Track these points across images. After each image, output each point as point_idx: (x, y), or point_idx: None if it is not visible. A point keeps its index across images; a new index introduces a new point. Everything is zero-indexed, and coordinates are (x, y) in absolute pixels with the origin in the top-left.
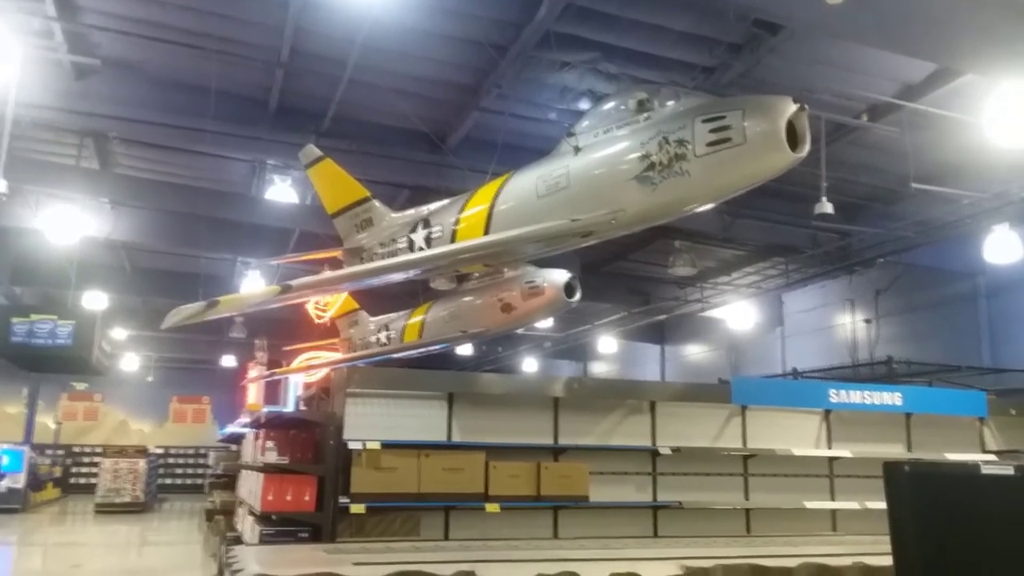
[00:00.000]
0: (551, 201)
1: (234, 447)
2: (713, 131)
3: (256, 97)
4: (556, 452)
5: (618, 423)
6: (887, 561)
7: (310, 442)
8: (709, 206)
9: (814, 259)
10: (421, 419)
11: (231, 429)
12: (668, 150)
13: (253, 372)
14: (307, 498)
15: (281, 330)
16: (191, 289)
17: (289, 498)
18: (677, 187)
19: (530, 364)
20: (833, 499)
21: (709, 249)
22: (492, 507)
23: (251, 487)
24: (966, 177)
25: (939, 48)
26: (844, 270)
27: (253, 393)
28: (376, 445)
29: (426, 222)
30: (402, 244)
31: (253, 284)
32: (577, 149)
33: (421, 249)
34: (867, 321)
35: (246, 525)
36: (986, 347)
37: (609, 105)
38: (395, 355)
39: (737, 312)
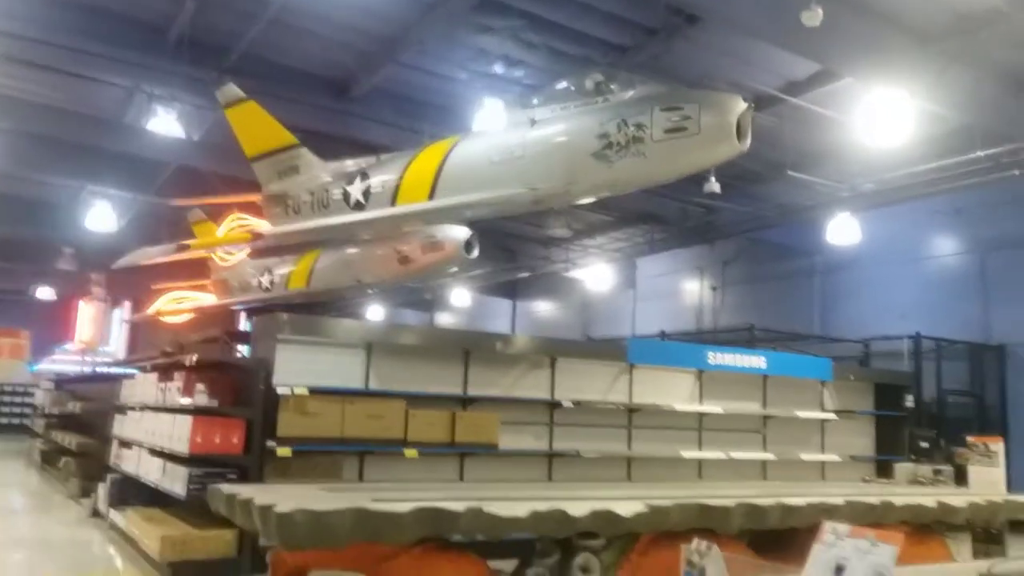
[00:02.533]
0: (505, 168)
1: (69, 385)
2: (671, 120)
3: (157, 24)
4: (465, 402)
5: (521, 376)
6: (797, 501)
7: (232, 385)
8: (656, 184)
9: (680, 230)
10: (343, 367)
11: (61, 366)
12: (627, 132)
13: (89, 308)
14: (235, 441)
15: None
16: (27, 215)
17: (218, 440)
18: (632, 167)
19: (375, 312)
20: (701, 449)
21: (582, 212)
22: (411, 452)
23: (160, 429)
24: (825, 167)
25: (824, 51)
26: (704, 241)
27: (86, 329)
28: (303, 391)
29: (364, 175)
30: (337, 195)
31: (100, 215)
32: (533, 121)
33: (359, 203)
34: (714, 288)
35: (150, 467)
36: (817, 318)
37: (566, 83)
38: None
39: (595, 273)
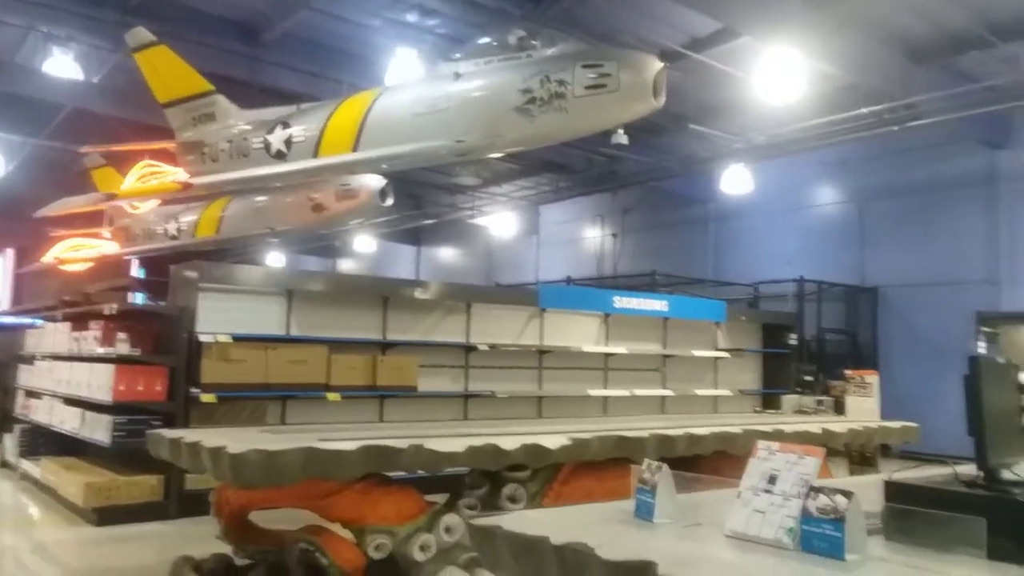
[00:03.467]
0: (430, 120)
1: None
2: (592, 76)
3: None
4: (384, 347)
5: (438, 321)
6: (701, 431)
7: (153, 334)
8: (575, 138)
9: (585, 178)
10: (264, 314)
11: None
12: (549, 88)
13: None
14: (159, 388)
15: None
16: None
17: (141, 388)
18: (554, 121)
19: (276, 259)
20: (606, 387)
21: (490, 161)
22: (333, 396)
23: (76, 378)
24: (723, 121)
25: (725, 9)
26: (607, 190)
27: None
28: (227, 338)
29: (285, 124)
30: (257, 145)
31: None
32: (457, 75)
33: (280, 152)
34: (614, 235)
35: (65, 416)
36: (710, 263)
37: (489, 39)
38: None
39: (499, 220)
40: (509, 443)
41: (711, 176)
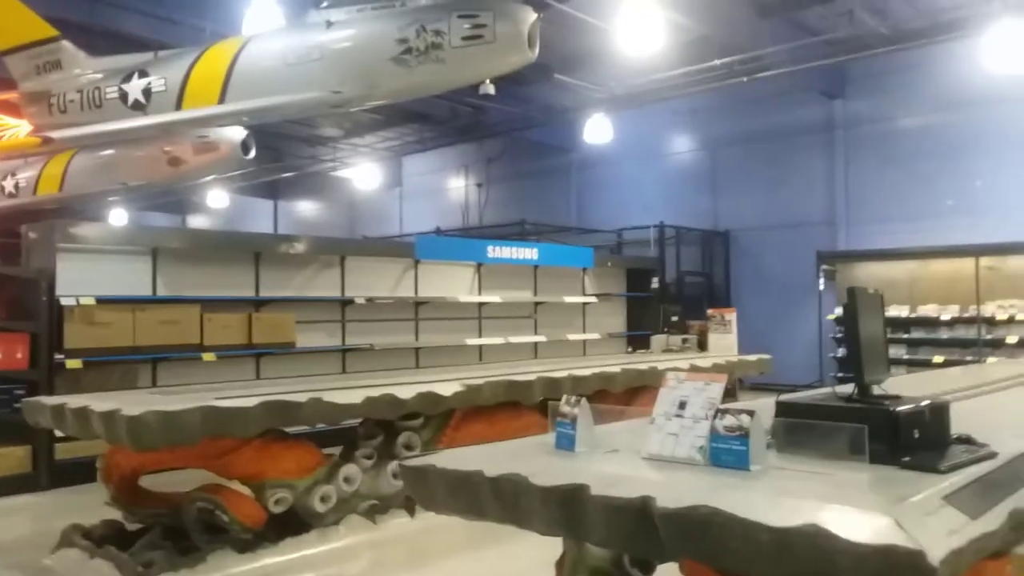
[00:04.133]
0: (302, 71)
1: None
2: (468, 27)
3: None
4: (258, 304)
5: (313, 276)
6: (584, 372)
7: (8, 299)
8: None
9: (449, 128)
10: (129, 274)
11: None
12: (425, 38)
13: None
14: (20, 356)
15: None
16: None
17: (0, 357)
18: (431, 71)
19: (118, 216)
20: (481, 336)
21: (353, 112)
22: (209, 356)
23: None
24: (585, 71)
25: None
26: (471, 140)
27: None
28: (90, 300)
29: (143, 73)
30: (112, 94)
31: None
32: (329, 23)
33: (138, 102)
34: (479, 185)
35: None
36: (574, 212)
37: None
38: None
39: (362, 172)
40: (405, 392)
41: (574, 125)
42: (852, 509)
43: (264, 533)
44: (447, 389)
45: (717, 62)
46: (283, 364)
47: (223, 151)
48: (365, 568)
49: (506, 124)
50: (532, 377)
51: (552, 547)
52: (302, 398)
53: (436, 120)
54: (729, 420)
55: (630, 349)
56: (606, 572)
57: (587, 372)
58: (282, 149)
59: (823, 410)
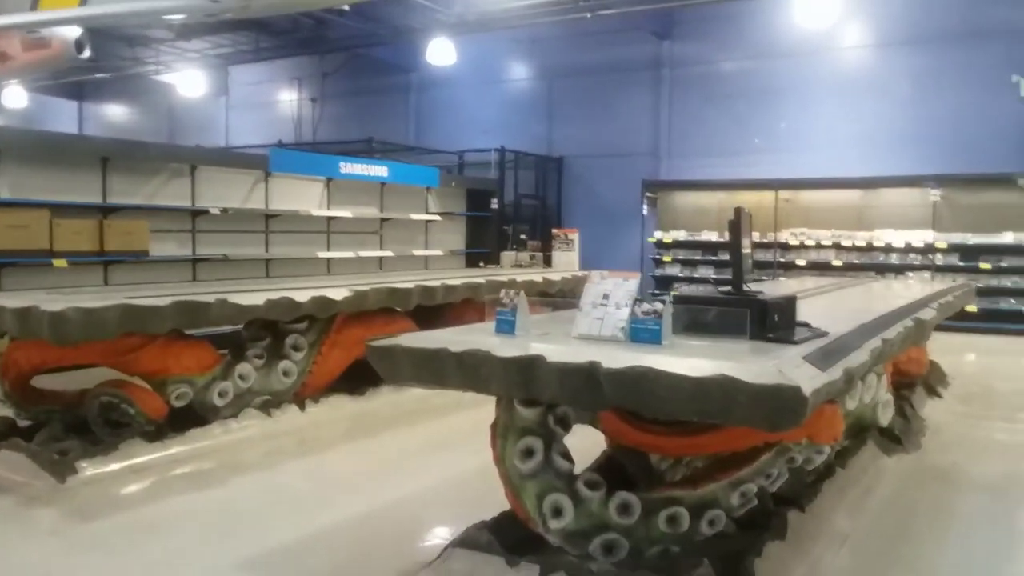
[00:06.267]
0: None
1: None
2: None
3: None
4: (106, 211)
5: (163, 185)
6: (455, 281)
7: None
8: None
9: (291, 40)
10: None
11: None
12: None
13: None
14: None
15: None
16: None
17: None
18: None
19: None
20: (330, 249)
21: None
22: (60, 262)
23: None
24: None
25: None
26: (310, 53)
27: None
28: None
29: None
30: None
31: None
32: None
33: None
34: (313, 100)
35: None
36: (412, 132)
37: None
38: None
39: (185, 78)
40: (301, 296)
41: (416, 46)
42: (746, 364)
43: (169, 424)
44: (338, 294)
45: None
46: (132, 272)
47: (55, 49)
48: (262, 455)
49: (349, 40)
50: (411, 285)
51: (422, 438)
52: (210, 299)
53: (275, 30)
54: (645, 306)
55: (482, 264)
56: (533, 431)
57: (457, 282)
58: (98, 47)
59: (712, 301)
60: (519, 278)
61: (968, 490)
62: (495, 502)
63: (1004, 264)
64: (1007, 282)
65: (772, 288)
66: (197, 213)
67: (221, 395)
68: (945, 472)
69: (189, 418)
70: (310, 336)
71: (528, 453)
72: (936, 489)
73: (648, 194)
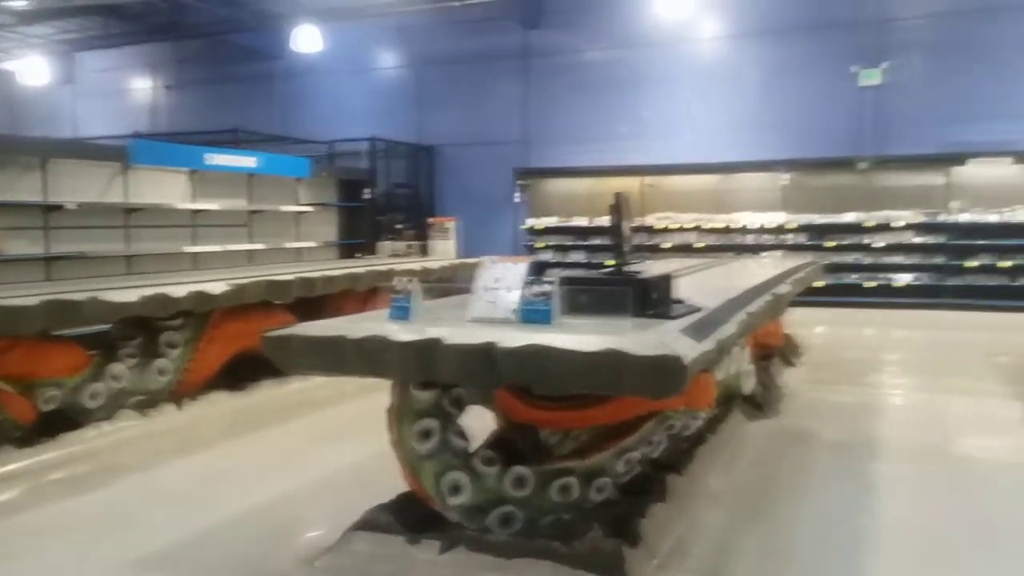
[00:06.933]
0: None
1: None
2: None
3: None
4: None
5: (11, 180)
6: (335, 273)
7: None
8: None
9: (144, 25)
10: None
11: None
12: None
13: None
14: None
15: None
16: None
17: None
18: None
19: None
20: (196, 243)
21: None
22: None
23: None
24: None
25: None
26: (166, 39)
27: None
28: None
29: None
30: None
31: None
32: None
33: None
34: (169, 88)
35: None
36: (278, 121)
37: None
38: None
39: (28, 65)
40: (178, 291)
41: (280, 32)
42: (631, 339)
43: (40, 429)
44: (216, 288)
45: None
46: None
47: None
48: (141, 456)
49: (208, 26)
50: (290, 277)
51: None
52: (81, 296)
53: (126, 14)
54: (536, 289)
55: (358, 255)
56: (429, 413)
57: (337, 272)
58: None
59: (597, 281)
60: (398, 267)
61: (821, 449)
62: (389, 487)
63: (846, 242)
64: (849, 259)
65: (646, 269)
66: (50, 209)
67: (93, 397)
68: (801, 434)
69: (61, 422)
70: (186, 332)
71: (425, 434)
72: (794, 449)
73: (520, 182)
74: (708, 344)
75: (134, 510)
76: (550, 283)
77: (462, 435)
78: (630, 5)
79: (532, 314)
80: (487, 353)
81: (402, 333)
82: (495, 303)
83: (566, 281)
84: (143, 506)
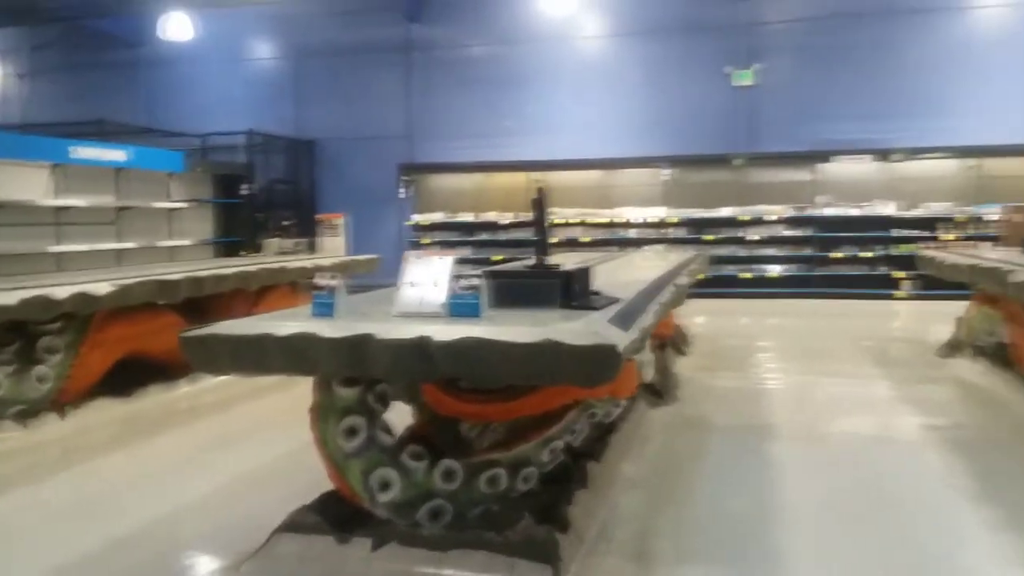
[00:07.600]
0: None
1: None
2: None
3: None
4: None
5: None
6: (226, 271)
7: None
8: None
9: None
10: None
11: None
12: None
13: None
14: None
15: None
16: None
17: None
18: None
19: None
20: (60, 243)
21: None
22: None
23: None
24: None
25: None
26: (20, 24)
27: None
28: None
29: None
30: None
31: None
32: None
33: None
34: (20, 76)
35: None
36: (143, 113)
37: None
38: None
39: None
40: (60, 292)
41: (145, 18)
42: (564, 329)
43: None
44: (101, 289)
45: None
46: None
47: None
48: (22, 470)
49: (67, 10)
50: (179, 276)
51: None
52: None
53: None
54: (464, 282)
55: (243, 253)
56: (354, 410)
57: (228, 271)
58: None
59: (524, 274)
60: (291, 265)
61: (719, 432)
62: (303, 488)
63: (723, 235)
64: (725, 251)
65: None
66: None
67: None
68: (697, 419)
69: None
70: (66, 337)
71: (351, 432)
72: (693, 434)
73: (404, 177)
74: (634, 333)
75: (18, 528)
76: (478, 276)
77: (388, 431)
78: (513, 1)
79: (461, 307)
80: (422, 347)
81: (331, 330)
82: (422, 297)
83: (492, 275)
84: (28, 524)
